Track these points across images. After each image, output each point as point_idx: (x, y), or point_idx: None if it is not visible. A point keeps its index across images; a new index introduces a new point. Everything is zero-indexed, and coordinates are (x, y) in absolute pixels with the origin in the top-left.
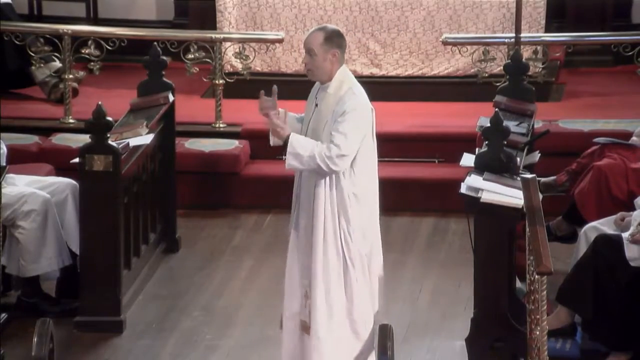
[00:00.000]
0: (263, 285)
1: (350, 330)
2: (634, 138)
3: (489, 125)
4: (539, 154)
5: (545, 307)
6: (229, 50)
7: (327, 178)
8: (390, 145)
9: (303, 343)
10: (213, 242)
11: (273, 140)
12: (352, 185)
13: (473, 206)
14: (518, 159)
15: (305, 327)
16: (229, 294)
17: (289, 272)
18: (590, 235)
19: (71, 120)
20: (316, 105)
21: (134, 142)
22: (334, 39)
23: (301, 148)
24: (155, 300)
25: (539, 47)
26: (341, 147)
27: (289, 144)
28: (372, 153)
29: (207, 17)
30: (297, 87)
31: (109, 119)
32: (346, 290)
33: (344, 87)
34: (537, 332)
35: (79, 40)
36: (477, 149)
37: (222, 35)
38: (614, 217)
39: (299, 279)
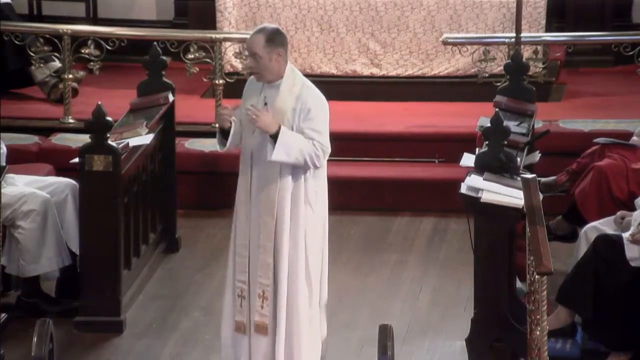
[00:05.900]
0: None
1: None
2: (634, 138)
3: (489, 125)
4: (539, 154)
5: (545, 307)
6: (229, 50)
7: (293, 175)
8: (390, 145)
9: (256, 345)
10: (213, 242)
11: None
12: (316, 182)
13: (473, 206)
14: (518, 159)
15: (263, 328)
16: None
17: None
18: (591, 235)
19: (71, 120)
20: (265, 103)
21: (133, 142)
22: (276, 38)
23: (293, 141)
24: (155, 300)
25: (539, 47)
26: (323, 144)
27: (280, 135)
28: None
29: (207, 17)
30: None
31: (109, 119)
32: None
33: (297, 83)
34: (537, 332)
35: (79, 40)
36: (477, 149)
37: (222, 35)
38: (614, 217)
39: (251, 279)
